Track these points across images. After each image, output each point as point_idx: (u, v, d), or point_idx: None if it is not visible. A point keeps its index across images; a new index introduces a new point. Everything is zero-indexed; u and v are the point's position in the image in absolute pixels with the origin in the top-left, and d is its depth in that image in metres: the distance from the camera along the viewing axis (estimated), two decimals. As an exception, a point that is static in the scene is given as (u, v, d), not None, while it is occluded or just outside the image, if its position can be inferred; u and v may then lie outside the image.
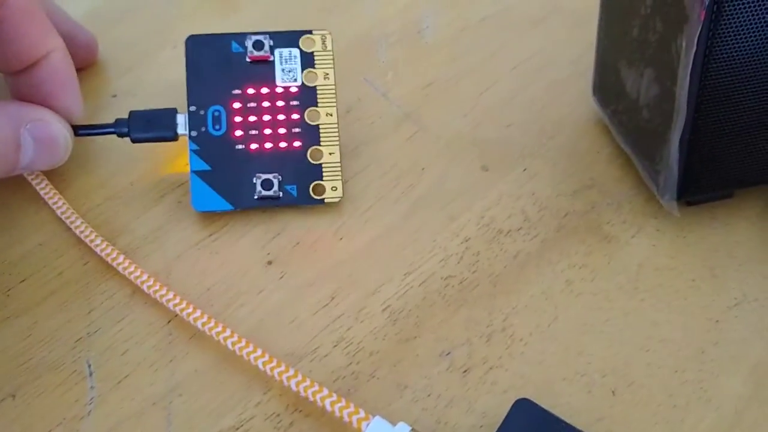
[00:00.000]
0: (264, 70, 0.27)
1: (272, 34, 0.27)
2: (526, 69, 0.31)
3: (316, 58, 0.27)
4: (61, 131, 0.26)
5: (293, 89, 0.27)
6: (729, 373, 0.23)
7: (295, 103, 0.27)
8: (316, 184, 0.26)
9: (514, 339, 0.24)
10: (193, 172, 0.26)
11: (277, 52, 0.27)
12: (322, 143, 0.26)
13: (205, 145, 0.26)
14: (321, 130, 0.27)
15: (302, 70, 0.27)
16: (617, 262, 0.25)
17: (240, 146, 0.26)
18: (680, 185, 0.25)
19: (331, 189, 0.26)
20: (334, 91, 0.27)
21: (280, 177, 0.26)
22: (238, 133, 0.26)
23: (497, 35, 0.32)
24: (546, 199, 0.27)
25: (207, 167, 0.26)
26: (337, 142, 0.27)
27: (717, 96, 0.23)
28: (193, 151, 0.26)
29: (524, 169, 0.28)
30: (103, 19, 0.33)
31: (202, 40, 0.27)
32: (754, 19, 0.22)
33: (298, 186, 0.26)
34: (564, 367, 0.23)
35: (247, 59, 0.27)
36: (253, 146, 0.26)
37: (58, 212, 0.26)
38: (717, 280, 0.25)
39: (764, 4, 0.21)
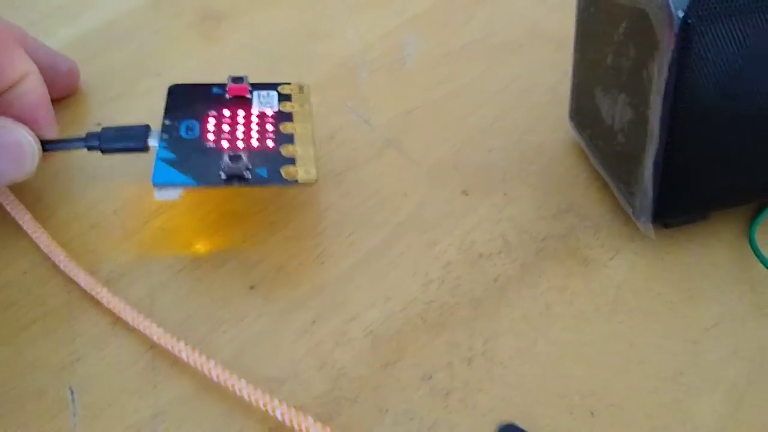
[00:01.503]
0: (241, 101, 0.28)
1: (252, 84, 0.28)
2: (506, 95, 0.32)
3: (292, 97, 0.28)
4: (26, 138, 0.26)
5: (269, 113, 0.27)
6: (707, 393, 0.23)
7: (270, 120, 0.27)
8: (288, 167, 0.26)
9: (495, 362, 0.24)
10: (159, 158, 0.26)
11: (255, 92, 0.28)
12: (296, 144, 0.26)
13: (174, 143, 0.26)
14: (296, 136, 0.27)
15: (279, 102, 0.28)
16: (596, 284, 0.26)
17: (211, 146, 0.26)
18: (655, 208, 0.25)
19: (305, 172, 0.26)
20: (310, 113, 0.27)
21: (249, 165, 0.25)
22: (211, 137, 0.26)
23: (478, 61, 0.33)
24: (526, 223, 0.27)
25: (173, 156, 0.26)
26: (311, 146, 0.26)
27: (689, 120, 0.23)
28: (161, 147, 0.26)
29: (504, 194, 0.28)
30: (87, 49, 0.34)
31: (185, 88, 0.28)
32: (722, 46, 0.22)
33: (269, 169, 0.26)
34: (544, 390, 0.23)
35: (227, 96, 0.27)
36: (225, 144, 0.26)
37: (39, 243, 0.26)
38: (694, 302, 0.25)
39: (731, 32, 0.22)
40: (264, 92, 0.27)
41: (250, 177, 0.25)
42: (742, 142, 0.24)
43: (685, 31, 0.22)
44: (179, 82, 0.29)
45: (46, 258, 0.26)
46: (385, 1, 0.36)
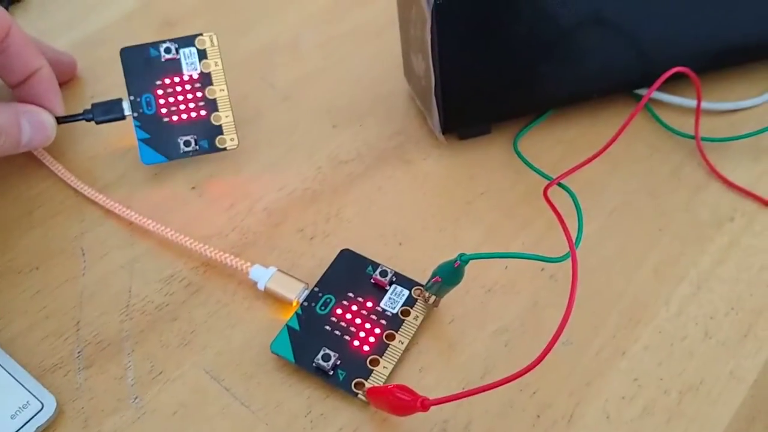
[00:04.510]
0: (175, 66, 0.40)
1: (175, 39, 0.40)
2: (368, 62, 0.46)
3: (208, 52, 0.40)
4: (48, 118, 0.39)
5: (195, 76, 0.40)
6: (471, 230, 0.38)
7: (198, 85, 0.40)
8: (220, 138, 0.41)
9: (344, 219, 0.39)
10: (139, 140, 0.40)
11: (181, 51, 0.40)
12: (219, 110, 0.41)
13: (143, 121, 0.40)
14: (218, 102, 0.41)
15: (199, 61, 0.40)
16: (412, 175, 0.40)
17: (166, 119, 0.40)
18: (443, 124, 0.40)
19: (230, 140, 0.41)
20: (223, 74, 0.41)
21: (195, 137, 0.40)
22: (164, 110, 0.40)
23: (349, 43, 0.48)
24: (371, 141, 0.42)
25: (147, 135, 0.40)
26: (230, 109, 0.40)
27: (449, 65, 0.38)
28: (137, 126, 0.40)
29: (360, 125, 0.43)
30: (82, 48, 0.48)
31: (131, 49, 0.40)
32: (462, 15, 0.37)
33: (208, 141, 0.40)
34: (372, 232, 0.38)
35: (162, 60, 0.40)
36: (174, 118, 0.40)
37: (55, 170, 0.41)
38: (473, 180, 0.40)
39: (463, 9, 0.36)
40: (187, 50, 0.40)
41: (198, 148, 0.40)
42: (494, 78, 0.39)
43: (437, 7, 0.36)
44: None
45: (60, 178, 0.41)
46: (285, 6, 0.51)
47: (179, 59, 0.41)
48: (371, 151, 0.42)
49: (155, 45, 0.41)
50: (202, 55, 0.41)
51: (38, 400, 0.32)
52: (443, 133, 0.40)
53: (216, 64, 0.41)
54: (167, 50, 0.40)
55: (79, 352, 0.34)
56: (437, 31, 0.37)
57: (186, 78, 0.40)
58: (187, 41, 0.41)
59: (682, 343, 0.34)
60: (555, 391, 0.33)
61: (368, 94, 0.45)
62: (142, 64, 0.40)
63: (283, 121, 0.43)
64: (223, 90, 0.41)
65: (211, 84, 0.41)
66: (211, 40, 0.41)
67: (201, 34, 0.41)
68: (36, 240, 0.38)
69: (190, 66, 0.40)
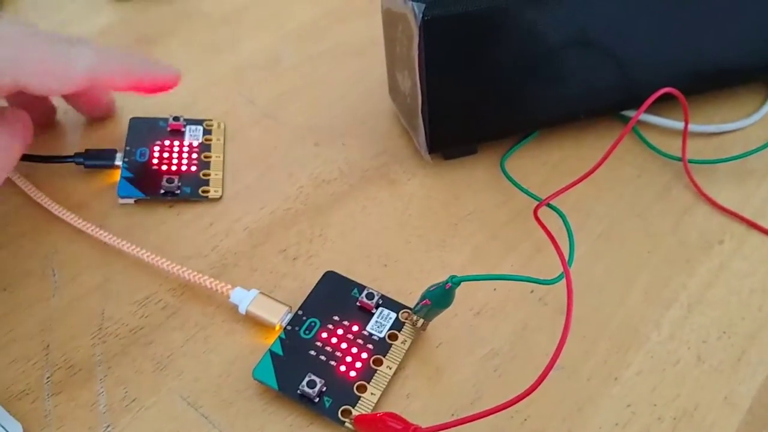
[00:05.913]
0: (177, 134, 0.41)
1: (187, 119, 0.42)
2: (348, 82, 0.45)
3: (213, 131, 0.42)
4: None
5: (195, 144, 0.41)
6: (458, 252, 0.37)
7: (196, 150, 0.41)
8: (203, 188, 0.39)
9: (327, 239, 0.37)
10: (123, 177, 0.39)
11: (188, 126, 0.42)
12: (211, 169, 0.40)
13: (131, 164, 0.39)
14: (212, 164, 0.40)
15: (203, 135, 0.41)
16: (397, 195, 0.39)
17: (155, 168, 0.39)
18: (429, 143, 0.39)
19: (214, 191, 0.39)
20: (222, 146, 0.41)
21: (179, 183, 0.39)
22: (155, 161, 0.39)
23: (329, 61, 0.47)
24: (355, 161, 0.41)
25: (131, 175, 0.39)
26: (221, 170, 0.40)
27: (436, 82, 0.37)
28: (124, 168, 0.39)
29: (342, 144, 0.42)
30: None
31: (140, 119, 0.42)
32: (449, 32, 0.36)
33: (191, 189, 0.39)
34: (356, 254, 0.37)
35: (168, 129, 0.41)
36: (164, 167, 0.39)
37: (25, 189, 0.39)
38: (458, 201, 0.39)
39: (453, 24, 0.36)
40: (194, 126, 0.41)
41: (179, 192, 0.39)
42: (480, 97, 0.38)
43: (425, 23, 0.35)
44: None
45: (29, 197, 0.39)
46: (266, 22, 0.50)
47: (184, 131, 0.42)
48: (355, 170, 0.41)
49: (164, 119, 0.42)
50: (207, 132, 0.42)
51: (3, 428, 0.31)
52: (429, 153, 0.39)
53: (218, 140, 0.42)
54: (175, 119, 0.42)
55: (48, 378, 0.32)
56: (425, 48, 0.36)
57: (186, 144, 0.41)
58: (197, 122, 0.42)
59: (675, 368, 0.33)
60: (547, 418, 0.32)
61: (351, 112, 0.44)
62: (147, 130, 0.41)
63: (264, 139, 0.42)
64: (219, 156, 0.41)
65: (208, 151, 0.41)
66: (219, 125, 0.42)
67: (211, 120, 0.43)
68: (3, 260, 0.37)
69: (193, 136, 0.42)
